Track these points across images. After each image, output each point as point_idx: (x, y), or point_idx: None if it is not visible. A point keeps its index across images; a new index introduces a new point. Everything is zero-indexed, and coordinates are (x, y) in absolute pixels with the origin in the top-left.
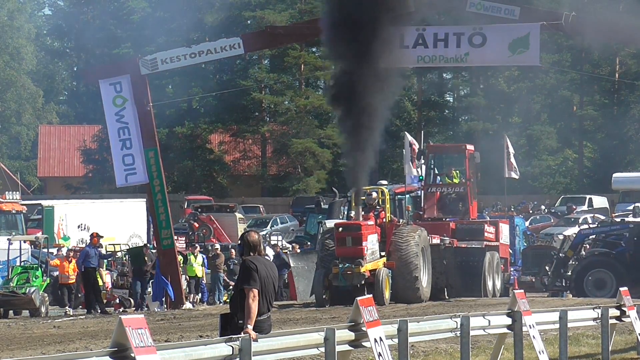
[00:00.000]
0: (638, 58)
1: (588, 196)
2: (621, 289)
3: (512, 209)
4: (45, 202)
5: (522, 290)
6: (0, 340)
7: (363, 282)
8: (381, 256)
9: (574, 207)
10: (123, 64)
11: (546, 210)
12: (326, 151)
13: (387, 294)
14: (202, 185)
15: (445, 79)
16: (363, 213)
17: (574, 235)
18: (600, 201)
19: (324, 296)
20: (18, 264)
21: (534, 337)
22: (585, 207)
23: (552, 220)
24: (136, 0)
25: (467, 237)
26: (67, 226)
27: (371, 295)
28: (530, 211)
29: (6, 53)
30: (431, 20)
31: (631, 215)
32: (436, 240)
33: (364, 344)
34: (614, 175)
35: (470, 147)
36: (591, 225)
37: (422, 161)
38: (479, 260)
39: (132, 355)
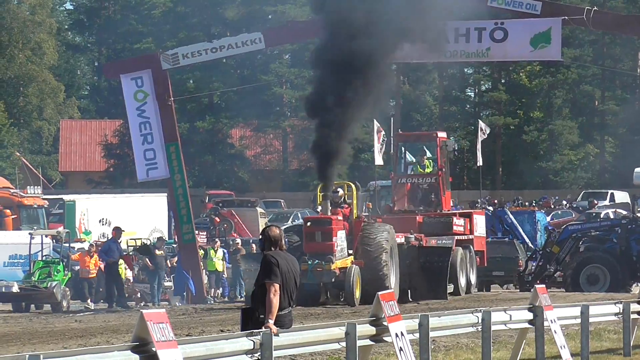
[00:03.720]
0: None
1: (610, 191)
2: None
3: (534, 204)
4: (66, 197)
5: (544, 285)
6: (22, 334)
7: (333, 280)
8: (348, 254)
9: (596, 202)
10: (144, 59)
11: (568, 205)
12: (347, 146)
13: (357, 294)
14: (223, 180)
15: (467, 73)
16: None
17: (560, 232)
18: (621, 196)
19: None
20: (40, 258)
21: (555, 332)
22: (606, 202)
23: (573, 215)
24: None
25: (435, 231)
26: (89, 221)
27: (392, 291)
28: (552, 206)
29: (28, 48)
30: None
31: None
32: (400, 239)
33: (385, 338)
34: (636, 169)
35: (442, 134)
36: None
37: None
38: (444, 261)
39: (154, 349)
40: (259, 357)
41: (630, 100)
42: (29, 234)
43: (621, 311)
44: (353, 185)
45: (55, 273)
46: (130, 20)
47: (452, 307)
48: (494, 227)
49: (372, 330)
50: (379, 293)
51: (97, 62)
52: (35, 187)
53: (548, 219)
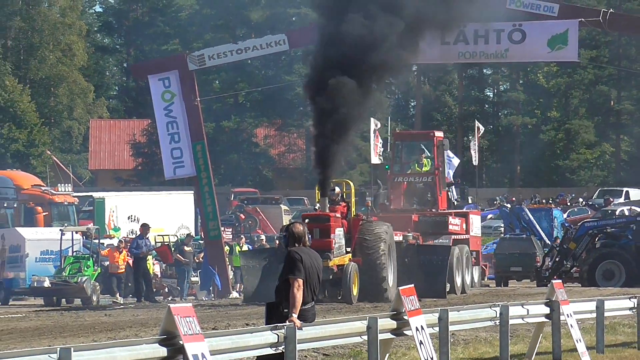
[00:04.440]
0: None
1: (625, 189)
2: None
3: (551, 201)
4: (96, 194)
5: (560, 281)
6: (54, 328)
7: (331, 277)
8: (346, 252)
9: (611, 199)
10: (171, 60)
11: (584, 202)
12: (369, 145)
13: (355, 291)
14: (248, 177)
15: (485, 74)
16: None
17: (576, 228)
18: (636, 193)
19: None
20: (70, 254)
21: (571, 326)
22: (622, 200)
23: (589, 213)
24: None
25: (431, 230)
26: (118, 217)
27: (412, 286)
28: (568, 203)
29: (58, 49)
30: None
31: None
32: (398, 237)
33: (405, 332)
34: None
35: (439, 133)
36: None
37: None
38: (442, 259)
39: (181, 342)
40: (283, 350)
41: None
42: (60, 230)
43: (635, 306)
44: (351, 183)
45: (85, 268)
46: (158, 22)
47: (470, 302)
48: (512, 224)
49: (393, 324)
50: (400, 288)
51: (126, 63)
52: (66, 184)
53: (565, 216)
